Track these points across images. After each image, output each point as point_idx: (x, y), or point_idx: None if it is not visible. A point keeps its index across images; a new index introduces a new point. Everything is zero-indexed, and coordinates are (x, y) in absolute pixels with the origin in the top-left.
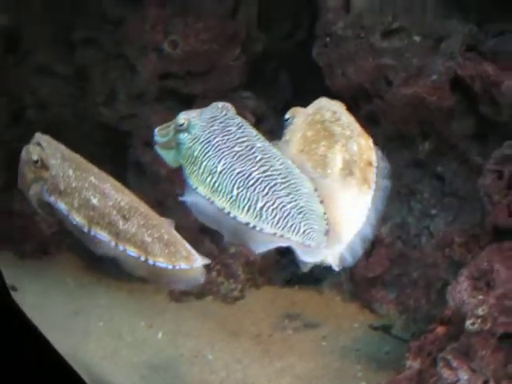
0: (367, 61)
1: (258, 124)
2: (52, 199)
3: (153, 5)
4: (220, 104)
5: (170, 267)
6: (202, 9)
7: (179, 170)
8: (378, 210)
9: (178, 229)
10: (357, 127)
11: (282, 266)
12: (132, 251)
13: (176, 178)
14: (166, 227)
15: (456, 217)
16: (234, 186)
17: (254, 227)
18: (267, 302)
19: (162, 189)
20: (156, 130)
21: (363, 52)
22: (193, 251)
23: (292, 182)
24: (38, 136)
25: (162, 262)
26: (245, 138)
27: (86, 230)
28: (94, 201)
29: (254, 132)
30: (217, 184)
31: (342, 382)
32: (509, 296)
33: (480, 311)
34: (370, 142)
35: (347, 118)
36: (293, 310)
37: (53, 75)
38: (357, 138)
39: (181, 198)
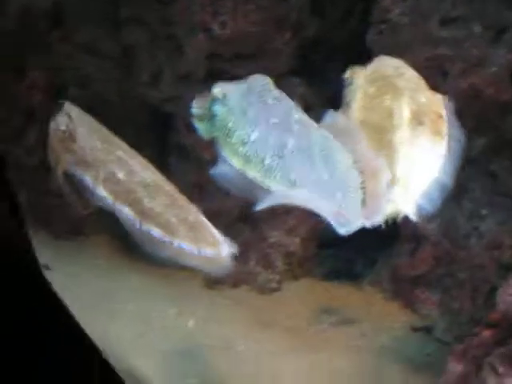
0: (423, 50)
1: (305, 111)
2: (78, 171)
3: None
4: (259, 77)
5: (196, 251)
6: None
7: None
8: (454, 160)
9: (217, 214)
10: (422, 82)
11: (322, 259)
12: (157, 231)
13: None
14: (193, 211)
15: (508, 218)
16: (266, 155)
17: (287, 196)
18: (305, 294)
19: (205, 173)
20: (194, 101)
21: (419, 40)
22: (220, 238)
23: (329, 153)
24: (67, 106)
25: (187, 245)
26: (282, 110)
27: (111, 203)
28: (120, 175)
29: (291, 104)
30: (249, 153)
31: (378, 382)
32: None
33: None
34: (439, 96)
35: (411, 72)
36: (331, 304)
37: (97, 53)
38: (424, 91)
39: (210, 172)
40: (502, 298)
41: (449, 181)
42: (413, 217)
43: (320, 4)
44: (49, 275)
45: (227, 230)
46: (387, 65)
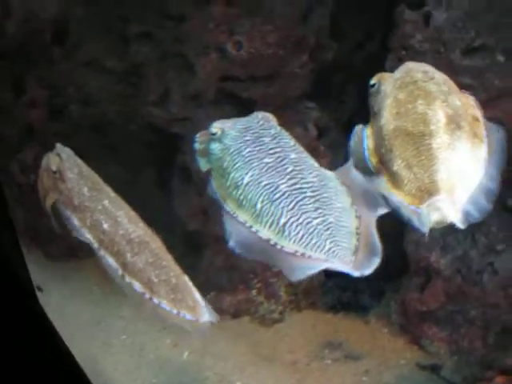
0: None
1: (319, 137)
2: (66, 212)
3: (220, 2)
4: (260, 114)
5: (175, 312)
6: (271, 10)
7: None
8: (497, 162)
9: (221, 239)
10: (453, 84)
11: (328, 289)
12: (138, 285)
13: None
14: (176, 272)
15: None
16: (258, 199)
17: (275, 244)
18: (308, 327)
19: (208, 197)
20: (197, 135)
21: (441, 69)
22: (202, 304)
23: (324, 195)
24: (60, 147)
25: (166, 305)
26: (278, 149)
27: (96, 248)
28: (105, 225)
29: (291, 142)
30: (242, 197)
31: None
32: None
33: None
34: (471, 99)
35: (441, 76)
36: (335, 338)
37: (102, 70)
38: (457, 94)
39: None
40: None
41: (494, 185)
42: (460, 225)
43: (339, 27)
44: (41, 297)
45: (231, 257)
46: (415, 69)
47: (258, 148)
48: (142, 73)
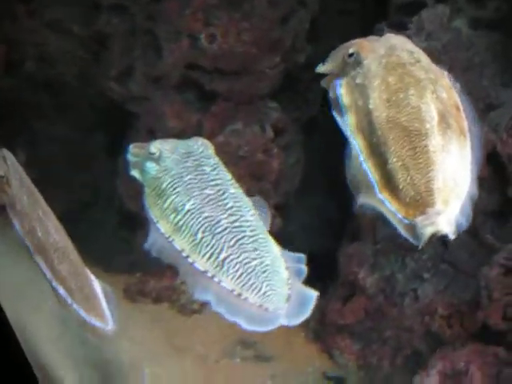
0: None
1: (276, 137)
2: (10, 214)
3: None
4: (200, 141)
5: (87, 319)
6: (252, 8)
7: None
8: (477, 161)
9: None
10: (438, 69)
11: None
12: (62, 291)
13: None
14: (90, 282)
15: (446, 288)
16: (199, 229)
17: (213, 277)
18: (225, 321)
19: None
20: (131, 146)
21: None
22: (107, 313)
23: (261, 236)
24: (6, 152)
25: (81, 311)
26: (218, 181)
27: (31, 253)
28: (39, 233)
29: (229, 176)
30: (181, 223)
31: None
32: None
33: None
34: (448, 79)
35: (425, 58)
36: (249, 336)
37: (66, 33)
38: (442, 82)
39: (144, 245)
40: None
41: (475, 189)
42: (452, 236)
43: (317, 31)
44: None
45: None
46: (400, 47)
47: (199, 177)
48: (108, 44)
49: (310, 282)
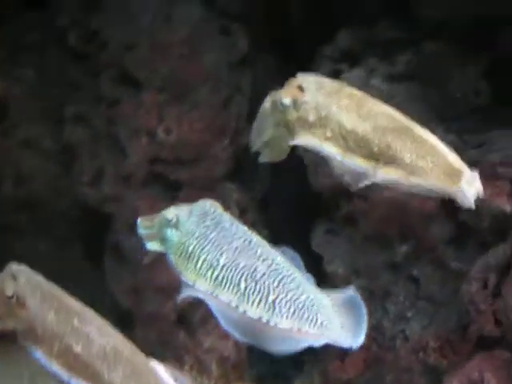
0: None
1: (241, 216)
2: (27, 344)
3: (150, 90)
4: (208, 202)
5: None
6: (196, 97)
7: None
8: None
9: (154, 318)
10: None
11: (254, 362)
12: None
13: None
14: (152, 374)
15: (431, 321)
16: (240, 278)
17: (268, 321)
18: None
19: (141, 277)
20: (139, 220)
21: None
22: None
23: (296, 275)
24: (15, 268)
25: None
26: (240, 233)
27: (66, 379)
28: (77, 349)
29: (246, 227)
30: (220, 277)
31: None
32: None
33: None
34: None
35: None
36: None
37: (38, 150)
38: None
39: (181, 296)
40: None
41: None
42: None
43: (256, 113)
44: None
45: (163, 334)
46: (318, 79)
47: (221, 233)
48: (76, 153)
49: None
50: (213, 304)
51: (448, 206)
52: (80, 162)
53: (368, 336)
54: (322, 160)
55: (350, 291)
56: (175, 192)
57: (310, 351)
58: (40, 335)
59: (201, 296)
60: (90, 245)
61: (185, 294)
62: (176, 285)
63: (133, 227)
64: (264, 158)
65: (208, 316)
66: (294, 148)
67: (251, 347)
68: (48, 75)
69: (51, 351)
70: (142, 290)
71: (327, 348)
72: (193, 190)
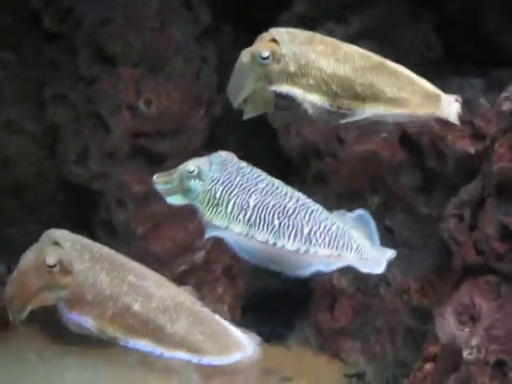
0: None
1: None
2: (74, 314)
3: (126, 65)
4: (223, 152)
5: (226, 361)
6: (171, 70)
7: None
8: None
9: None
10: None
11: (247, 324)
12: (182, 355)
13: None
14: (215, 319)
15: (409, 265)
16: (273, 216)
17: (307, 251)
18: None
19: (137, 247)
20: (155, 177)
21: None
22: (241, 336)
23: (321, 209)
24: (56, 233)
25: (216, 360)
26: (262, 177)
27: (122, 342)
28: (136, 306)
29: (265, 173)
30: (253, 218)
31: None
32: (494, 326)
33: (474, 342)
34: None
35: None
36: (267, 365)
37: (21, 133)
38: None
39: (207, 235)
40: (441, 330)
41: None
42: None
43: (224, 83)
44: None
45: None
46: (291, 31)
47: (245, 177)
48: (59, 134)
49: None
50: (248, 244)
51: (415, 155)
52: (64, 142)
53: (352, 285)
54: (291, 121)
55: (360, 211)
56: (158, 165)
57: (297, 309)
58: (90, 301)
59: (236, 238)
60: (79, 225)
61: (210, 234)
62: (171, 252)
63: (122, 201)
64: (248, 114)
65: (202, 281)
66: (264, 116)
67: (245, 310)
68: (26, 57)
69: (104, 316)
70: (138, 260)
71: (316, 303)
72: (175, 161)
